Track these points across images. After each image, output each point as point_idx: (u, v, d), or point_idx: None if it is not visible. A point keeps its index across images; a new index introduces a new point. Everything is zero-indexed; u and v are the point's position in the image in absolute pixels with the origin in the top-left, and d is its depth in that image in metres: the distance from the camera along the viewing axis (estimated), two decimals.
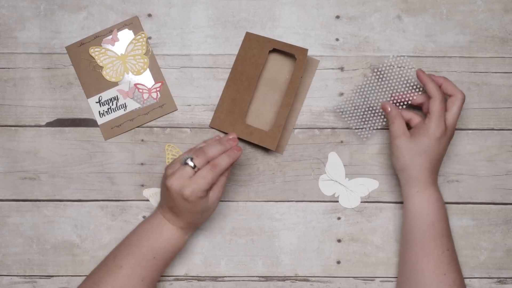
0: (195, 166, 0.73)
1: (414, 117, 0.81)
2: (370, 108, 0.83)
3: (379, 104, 0.82)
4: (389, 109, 0.80)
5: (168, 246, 0.78)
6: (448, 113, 0.78)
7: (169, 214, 0.77)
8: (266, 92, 0.86)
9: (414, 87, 0.81)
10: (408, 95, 0.81)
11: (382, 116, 0.83)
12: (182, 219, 0.77)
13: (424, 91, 0.81)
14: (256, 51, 0.85)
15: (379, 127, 0.83)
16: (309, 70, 0.86)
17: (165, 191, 0.75)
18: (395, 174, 0.83)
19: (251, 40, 0.85)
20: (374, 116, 0.83)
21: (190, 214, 0.76)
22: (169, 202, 0.75)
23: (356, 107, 0.83)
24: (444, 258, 0.76)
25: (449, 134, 0.78)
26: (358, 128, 0.84)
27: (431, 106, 0.77)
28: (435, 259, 0.76)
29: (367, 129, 0.83)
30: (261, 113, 0.85)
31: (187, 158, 0.74)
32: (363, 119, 0.83)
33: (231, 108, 0.85)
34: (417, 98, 0.81)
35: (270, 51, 0.85)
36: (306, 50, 0.83)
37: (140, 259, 0.77)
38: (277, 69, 0.86)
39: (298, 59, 0.83)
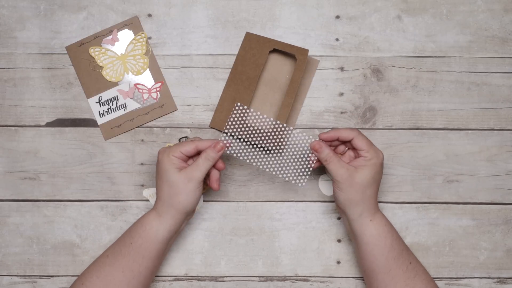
0: (185, 139, 0.79)
1: (348, 155, 0.80)
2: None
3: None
4: (321, 148, 0.76)
5: (141, 231, 0.77)
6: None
7: (156, 198, 0.79)
8: (266, 92, 0.86)
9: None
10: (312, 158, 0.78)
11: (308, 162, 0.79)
12: (158, 196, 0.78)
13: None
14: (256, 51, 0.85)
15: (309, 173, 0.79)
16: (309, 70, 0.86)
17: None
18: (342, 207, 0.78)
19: (251, 40, 0.85)
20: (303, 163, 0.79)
21: (161, 184, 0.76)
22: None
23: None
24: (409, 273, 0.77)
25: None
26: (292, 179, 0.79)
27: (359, 143, 0.76)
28: (401, 279, 0.76)
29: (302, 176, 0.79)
30: (262, 113, 0.85)
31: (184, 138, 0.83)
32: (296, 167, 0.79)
33: (231, 108, 0.85)
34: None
35: (270, 51, 0.85)
36: (307, 50, 0.83)
37: (121, 246, 0.78)
38: (277, 69, 0.86)
39: (299, 60, 0.83)
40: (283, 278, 0.86)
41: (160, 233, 0.77)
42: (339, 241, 0.86)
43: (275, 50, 0.85)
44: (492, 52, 0.87)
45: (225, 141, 0.77)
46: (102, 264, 0.78)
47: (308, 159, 0.78)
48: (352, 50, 0.87)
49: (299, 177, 0.79)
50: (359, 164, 0.76)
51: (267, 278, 0.86)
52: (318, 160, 0.78)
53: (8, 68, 0.86)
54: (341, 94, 0.87)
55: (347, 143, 0.79)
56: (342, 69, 0.87)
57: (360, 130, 0.86)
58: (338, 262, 0.86)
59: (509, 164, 0.87)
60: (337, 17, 0.87)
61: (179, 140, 0.85)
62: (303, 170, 0.79)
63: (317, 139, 0.78)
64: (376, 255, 0.77)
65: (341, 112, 0.86)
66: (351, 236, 0.82)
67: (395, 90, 0.86)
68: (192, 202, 0.77)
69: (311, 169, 0.78)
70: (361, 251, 0.79)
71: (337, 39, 0.87)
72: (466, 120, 0.87)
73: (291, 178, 0.78)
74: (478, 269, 0.86)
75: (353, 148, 0.78)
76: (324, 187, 0.86)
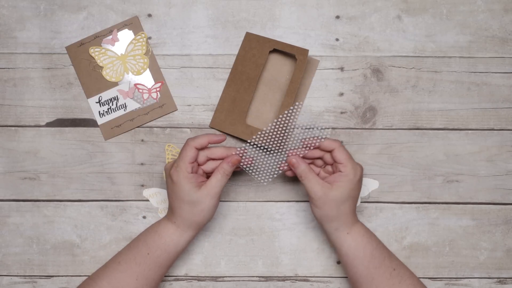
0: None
1: (320, 171, 0.80)
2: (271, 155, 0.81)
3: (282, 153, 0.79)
4: (297, 163, 0.76)
5: (161, 243, 0.77)
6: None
7: (169, 211, 0.79)
8: (266, 92, 0.86)
9: (320, 130, 0.77)
10: (316, 139, 0.77)
11: (283, 161, 0.79)
12: (174, 211, 0.77)
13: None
14: (256, 51, 0.85)
15: (279, 173, 0.80)
16: (309, 70, 0.86)
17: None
18: (319, 222, 0.79)
19: (251, 40, 0.85)
20: (274, 162, 0.80)
21: (178, 202, 0.76)
22: (167, 192, 0.79)
23: (258, 153, 0.82)
24: (394, 279, 0.76)
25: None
26: (256, 175, 0.80)
27: (338, 155, 0.76)
28: (385, 286, 0.76)
29: (267, 175, 0.79)
30: (261, 113, 0.85)
31: None
32: (263, 165, 0.80)
33: (231, 108, 0.85)
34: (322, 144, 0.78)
35: (270, 51, 0.85)
36: (307, 50, 0.83)
37: (135, 254, 0.77)
38: (277, 69, 0.86)
39: (299, 60, 0.83)
40: (283, 278, 0.86)
41: (180, 245, 0.78)
42: None
43: (275, 50, 0.85)
44: (492, 52, 0.87)
45: (240, 151, 0.77)
46: (113, 270, 0.77)
47: (280, 164, 0.79)
48: (352, 50, 0.87)
49: (264, 176, 0.79)
50: (334, 180, 0.76)
51: (267, 278, 0.86)
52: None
53: (8, 68, 0.86)
54: (341, 94, 0.87)
55: (326, 154, 0.79)
56: (342, 69, 0.87)
57: (360, 130, 0.86)
58: (338, 262, 0.86)
59: (509, 164, 0.87)
60: (337, 17, 0.87)
61: None
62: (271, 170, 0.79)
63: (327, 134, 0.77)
64: (357, 265, 0.77)
65: (341, 112, 0.86)
66: (333, 247, 0.82)
67: (395, 90, 0.87)
68: (214, 213, 0.78)
69: (278, 172, 0.79)
70: (343, 262, 0.79)
71: (337, 39, 0.87)
72: (466, 120, 0.87)
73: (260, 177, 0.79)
74: (478, 269, 0.86)
75: (331, 163, 0.79)
76: None
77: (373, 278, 0.76)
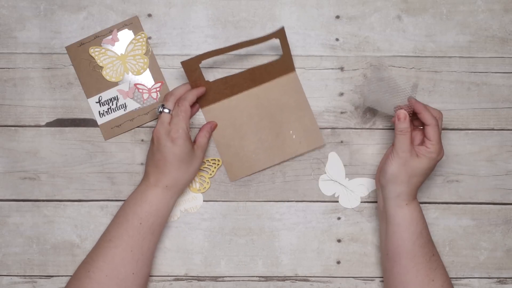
0: (169, 110, 0.79)
1: (417, 137, 0.80)
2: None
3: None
4: (404, 120, 0.77)
5: (152, 210, 0.78)
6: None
7: (155, 174, 0.78)
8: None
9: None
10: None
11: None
12: (168, 174, 0.78)
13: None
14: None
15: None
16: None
17: (152, 146, 0.78)
18: (383, 183, 0.79)
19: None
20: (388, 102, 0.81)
21: (177, 164, 0.77)
22: (157, 156, 0.78)
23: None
24: (431, 264, 0.78)
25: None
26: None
27: (431, 133, 0.77)
28: (424, 267, 0.77)
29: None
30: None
31: (159, 107, 0.79)
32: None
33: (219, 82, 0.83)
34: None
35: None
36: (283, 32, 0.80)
37: (127, 227, 0.77)
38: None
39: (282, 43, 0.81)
40: (283, 278, 0.86)
41: (171, 207, 0.80)
42: (339, 241, 0.86)
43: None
44: (492, 52, 0.87)
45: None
46: (105, 248, 0.77)
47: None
48: (352, 50, 0.87)
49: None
50: (419, 152, 0.77)
51: (267, 278, 0.86)
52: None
53: (8, 68, 0.86)
54: (341, 94, 0.87)
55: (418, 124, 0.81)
56: (342, 69, 0.87)
57: (360, 130, 0.86)
58: (338, 262, 0.86)
59: (509, 164, 0.87)
60: (337, 17, 0.87)
61: (158, 111, 0.79)
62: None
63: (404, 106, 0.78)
64: (405, 238, 0.78)
65: (341, 112, 0.86)
66: (382, 217, 0.81)
67: None
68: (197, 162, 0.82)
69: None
70: (390, 232, 0.79)
71: (337, 39, 0.87)
72: (466, 120, 0.87)
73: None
74: (478, 269, 0.86)
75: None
76: (324, 187, 0.87)
77: (415, 255, 0.77)
